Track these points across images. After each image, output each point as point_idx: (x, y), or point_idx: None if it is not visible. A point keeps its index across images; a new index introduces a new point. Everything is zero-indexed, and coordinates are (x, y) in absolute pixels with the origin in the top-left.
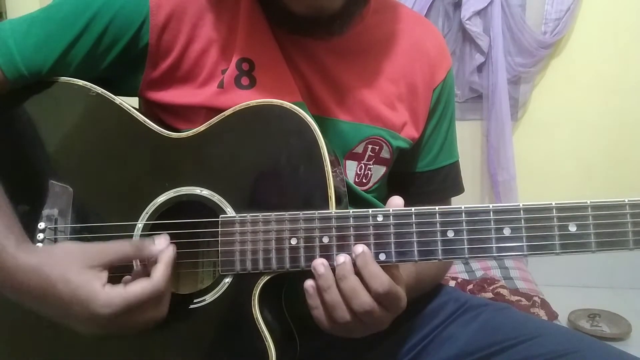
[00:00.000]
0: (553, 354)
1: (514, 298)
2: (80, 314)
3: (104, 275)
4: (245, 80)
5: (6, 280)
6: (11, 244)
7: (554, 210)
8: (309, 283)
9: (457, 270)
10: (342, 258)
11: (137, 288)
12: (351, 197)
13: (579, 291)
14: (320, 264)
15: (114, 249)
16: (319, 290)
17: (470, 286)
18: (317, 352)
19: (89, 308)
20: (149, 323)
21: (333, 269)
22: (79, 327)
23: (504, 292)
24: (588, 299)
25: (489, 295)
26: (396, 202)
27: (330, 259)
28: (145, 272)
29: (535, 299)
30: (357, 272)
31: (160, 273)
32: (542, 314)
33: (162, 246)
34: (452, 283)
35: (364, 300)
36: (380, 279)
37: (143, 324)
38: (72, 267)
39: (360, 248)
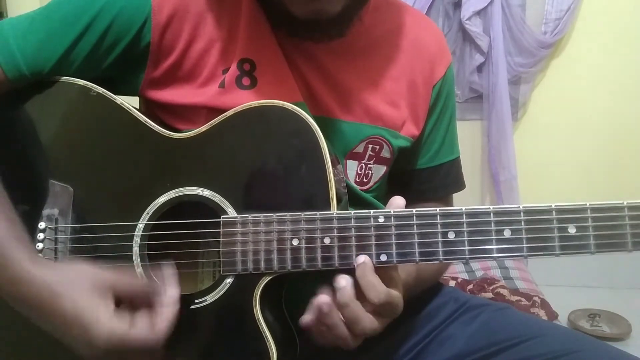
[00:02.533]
0: (553, 354)
1: (514, 298)
2: (77, 337)
3: (111, 303)
4: (246, 81)
5: (16, 292)
6: (24, 256)
7: (554, 212)
8: (307, 319)
9: (457, 270)
10: (343, 282)
11: (138, 334)
12: (350, 197)
13: (579, 291)
14: (324, 304)
15: (127, 283)
16: (327, 326)
17: (470, 286)
18: (317, 352)
19: (87, 334)
20: None
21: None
22: (73, 346)
23: (504, 292)
24: (588, 299)
25: (489, 295)
26: (397, 203)
27: (332, 260)
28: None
29: (535, 299)
30: (355, 281)
31: (163, 327)
32: (542, 314)
33: (173, 297)
34: (452, 283)
35: (365, 325)
36: (377, 290)
37: None
38: (82, 289)
39: (362, 258)
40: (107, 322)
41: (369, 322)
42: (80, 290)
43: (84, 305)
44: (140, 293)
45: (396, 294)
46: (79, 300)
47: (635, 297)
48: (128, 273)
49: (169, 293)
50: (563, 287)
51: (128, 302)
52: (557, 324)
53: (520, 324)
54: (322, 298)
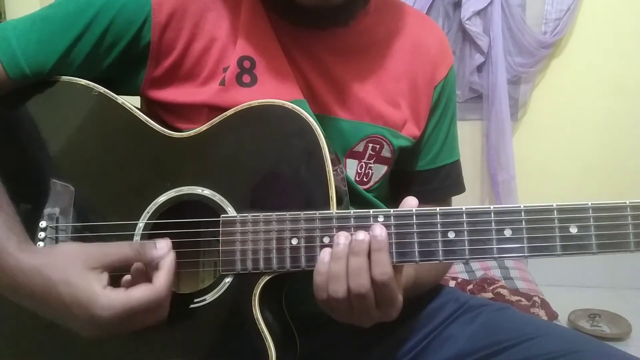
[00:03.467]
0: (553, 354)
1: (514, 298)
2: (80, 316)
3: (105, 277)
4: (246, 78)
5: (7, 281)
6: (13, 245)
7: (555, 211)
8: (327, 250)
9: (457, 270)
10: (362, 236)
11: (138, 294)
12: (352, 196)
13: (579, 291)
14: (343, 235)
15: (115, 251)
16: (331, 256)
17: (471, 286)
18: (317, 352)
19: (89, 310)
20: (148, 326)
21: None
22: (78, 329)
23: (504, 292)
24: (588, 299)
25: (489, 295)
26: (410, 203)
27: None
28: (145, 274)
29: (535, 299)
30: (368, 256)
31: (162, 279)
32: (542, 314)
33: (164, 251)
34: (452, 283)
35: (363, 282)
36: (385, 268)
37: (142, 327)
38: (73, 268)
39: (379, 230)
40: (103, 293)
41: (367, 280)
42: (71, 270)
43: (77, 284)
44: (131, 256)
45: (398, 294)
46: (72, 280)
47: (635, 297)
48: (116, 244)
49: (159, 246)
50: (563, 287)
51: (124, 270)
52: (557, 324)
53: (520, 324)
54: (327, 249)
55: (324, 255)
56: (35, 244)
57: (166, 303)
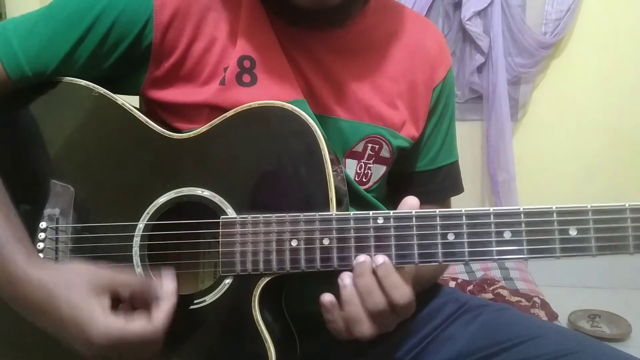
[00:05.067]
0: (553, 354)
1: (514, 299)
2: (75, 336)
3: (107, 301)
4: (246, 78)
5: (13, 292)
6: (22, 257)
7: (555, 214)
8: (327, 299)
9: (457, 271)
10: (362, 258)
11: (136, 327)
12: (351, 196)
13: (579, 292)
14: (347, 276)
15: (122, 279)
16: (342, 304)
17: (471, 287)
18: (317, 352)
19: (85, 332)
20: (141, 358)
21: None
22: (73, 346)
23: (504, 292)
24: (588, 300)
25: (489, 296)
26: (411, 203)
27: (331, 260)
28: (146, 303)
29: (535, 299)
30: (379, 282)
31: (161, 315)
32: (542, 314)
33: (168, 286)
34: (452, 284)
35: (378, 300)
36: (403, 290)
37: (135, 358)
38: (77, 289)
39: (381, 258)
40: (102, 319)
41: (381, 297)
42: (75, 290)
43: (79, 305)
44: (137, 289)
45: (413, 294)
46: (74, 300)
47: (635, 298)
48: (125, 271)
49: (165, 287)
50: (563, 287)
51: (127, 300)
52: (557, 325)
53: (520, 324)
54: (326, 296)
55: (326, 303)
56: (35, 245)
57: (161, 340)
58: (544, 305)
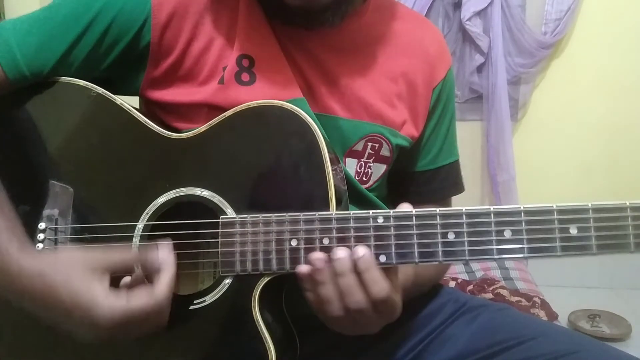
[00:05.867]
0: (553, 354)
1: (514, 299)
2: (80, 320)
3: (106, 279)
4: (245, 77)
5: (9, 284)
6: (14, 247)
7: (555, 212)
8: (304, 269)
9: (457, 271)
10: (341, 253)
11: (139, 301)
12: (352, 194)
13: (579, 292)
14: (318, 259)
15: (116, 254)
16: (315, 282)
17: (470, 287)
18: (317, 352)
19: (89, 315)
20: (148, 331)
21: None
22: (78, 332)
23: (504, 292)
24: (588, 300)
25: (489, 295)
26: (405, 209)
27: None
28: (146, 278)
29: (535, 299)
30: (358, 274)
31: (162, 287)
32: (542, 314)
33: (165, 256)
34: (452, 284)
35: (358, 298)
36: (381, 285)
37: (142, 333)
38: (74, 272)
39: (362, 251)
40: (104, 299)
41: (361, 295)
42: (72, 275)
43: (78, 289)
44: (133, 260)
45: (397, 297)
46: (72, 285)
47: (635, 298)
48: (118, 248)
49: (162, 256)
50: (563, 287)
51: (125, 274)
52: (557, 325)
53: (520, 324)
54: (317, 254)
55: (303, 275)
56: (35, 246)
57: (166, 309)
58: (544, 305)
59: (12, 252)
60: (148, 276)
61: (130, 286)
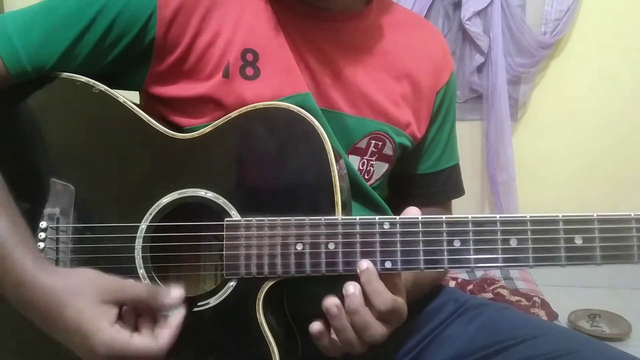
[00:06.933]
0: (553, 354)
1: (514, 298)
2: (79, 344)
3: (114, 312)
4: (249, 71)
5: (21, 297)
6: (29, 262)
7: (561, 222)
8: (318, 326)
9: (457, 271)
10: (351, 288)
11: (140, 343)
12: (355, 190)
13: (579, 291)
14: (333, 305)
15: (130, 289)
16: (335, 330)
17: (471, 286)
18: (318, 352)
19: (89, 342)
20: None
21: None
22: (77, 353)
23: (504, 292)
24: (588, 299)
25: (489, 295)
26: (413, 213)
27: (336, 265)
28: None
29: (535, 299)
30: (361, 287)
31: (166, 337)
32: (542, 314)
33: (176, 301)
34: (452, 283)
35: (375, 332)
36: (383, 297)
37: None
38: (85, 297)
39: (365, 264)
40: (108, 330)
41: (378, 328)
42: (83, 298)
43: (86, 314)
44: (145, 299)
45: (401, 301)
46: (81, 309)
47: (635, 297)
48: (132, 283)
49: (174, 295)
50: (563, 287)
51: (133, 309)
52: (557, 324)
53: (520, 324)
54: (331, 300)
55: (317, 327)
56: (38, 247)
57: (166, 353)
58: (544, 304)
59: (26, 267)
60: (155, 316)
61: (137, 322)
